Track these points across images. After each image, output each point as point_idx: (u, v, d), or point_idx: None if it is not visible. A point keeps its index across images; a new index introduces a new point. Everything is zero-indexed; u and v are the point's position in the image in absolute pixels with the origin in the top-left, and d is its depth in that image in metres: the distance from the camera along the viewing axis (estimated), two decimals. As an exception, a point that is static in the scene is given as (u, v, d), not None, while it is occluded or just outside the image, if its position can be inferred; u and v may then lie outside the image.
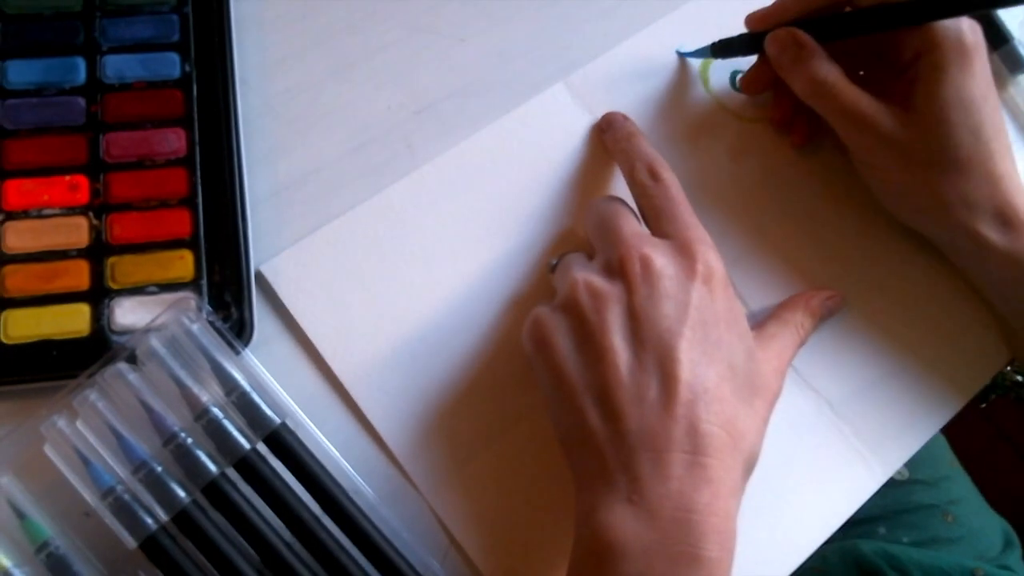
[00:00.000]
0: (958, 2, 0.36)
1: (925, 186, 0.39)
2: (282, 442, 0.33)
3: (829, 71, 0.39)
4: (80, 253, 0.36)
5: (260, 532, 0.32)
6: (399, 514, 0.35)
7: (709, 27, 0.45)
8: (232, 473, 0.33)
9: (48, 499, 0.32)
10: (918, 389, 0.42)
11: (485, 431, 0.37)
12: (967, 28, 0.38)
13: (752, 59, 0.43)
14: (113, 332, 0.35)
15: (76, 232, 0.36)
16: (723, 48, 0.43)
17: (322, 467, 0.33)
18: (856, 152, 0.41)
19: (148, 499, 0.31)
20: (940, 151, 0.38)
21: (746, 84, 0.43)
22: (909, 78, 0.39)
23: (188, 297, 0.36)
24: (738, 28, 0.42)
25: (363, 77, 0.42)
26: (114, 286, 0.36)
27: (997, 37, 0.48)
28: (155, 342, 0.33)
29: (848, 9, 0.40)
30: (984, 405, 0.45)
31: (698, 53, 0.44)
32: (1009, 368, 0.44)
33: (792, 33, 0.39)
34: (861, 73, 0.40)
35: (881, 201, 0.42)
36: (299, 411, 0.36)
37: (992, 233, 0.39)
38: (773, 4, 0.41)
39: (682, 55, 0.45)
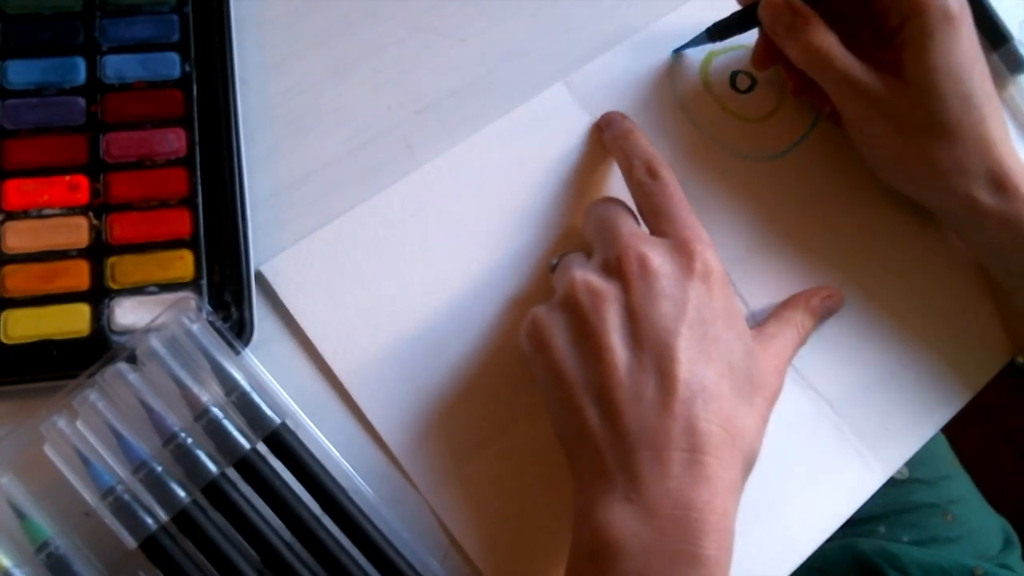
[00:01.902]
0: None
1: (918, 152, 0.39)
2: (282, 442, 0.33)
3: (824, 38, 0.39)
4: (80, 253, 0.36)
5: (260, 532, 0.32)
6: (399, 514, 0.35)
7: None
8: (232, 473, 0.33)
9: (48, 499, 0.32)
10: (918, 389, 0.42)
11: (485, 431, 0.37)
12: None
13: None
14: (113, 332, 0.35)
15: (76, 232, 0.36)
16: (719, 30, 0.43)
17: (322, 467, 0.34)
18: (850, 120, 0.41)
19: (148, 499, 0.31)
20: (931, 117, 0.38)
21: (755, 61, 0.43)
22: (897, 44, 0.39)
23: (188, 297, 0.36)
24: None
25: (363, 77, 0.42)
26: (114, 286, 0.36)
27: (997, 37, 0.48)
28: (155, 342, 0.33)
29: None
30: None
31: (694, 42, 0.44)
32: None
33: (785, 0, 0.39)
34: (852, 43, 0.40)
35: (875, 171, 0.43)
36: (299, 411, 0.36)
37: (986, 197, 0.39)
38: None
39: (678, 51, 0.45)
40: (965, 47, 0.38)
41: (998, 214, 0.39)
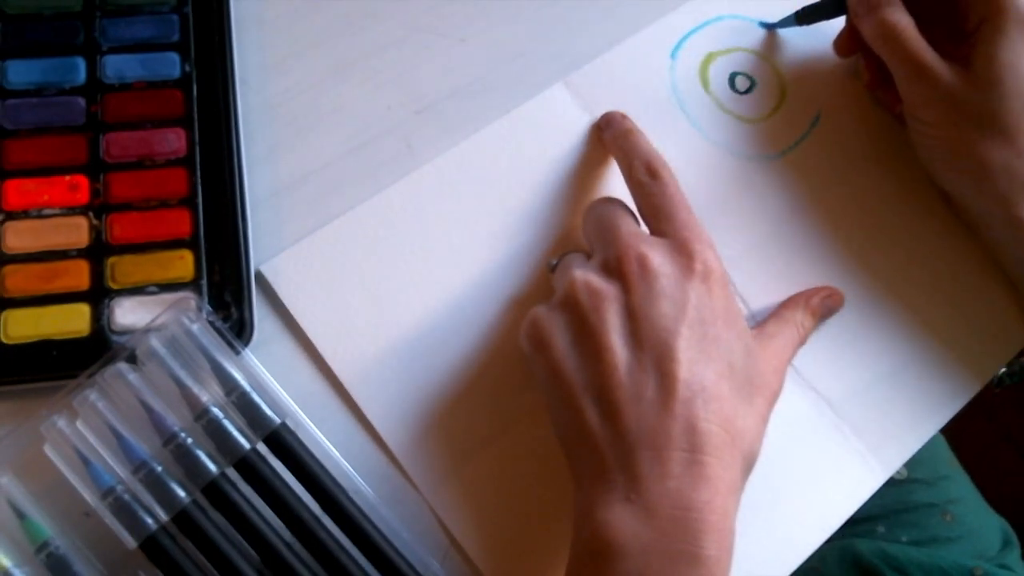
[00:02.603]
0: None
1: (971, 147, 0.40)
2: (282, 442, 0.33)
3: (900, 17, 0.40)
4: (80, 253, 0.36)
5: (260, 532, 0.32)
6: (399, 514, 0.35)
7: (709, 27, 0.45)
8: (232, 473, 0.33)
9: (48, 499, 0.32)
10: (918, 389, 0.42)
11: (485, 431, 0.37)
12: None
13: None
14: (113, 332, 0.35)
15: (76, 232, 0.36)
16: (808, 14, 0.44)
17: (322, 467, 0.34)
18: (910, 104, 0.41)
19: (148, 499, 0.31)
20: (989, 112, 0.39)
21: (838, 45, 0.44)
22: (971, 42, 0.39)
23: (188, 297, 0.36)
24: (735, 31, 0.42)
25: (363, 77, 0.42)
26: (114, 286, 0.36)
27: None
28: (155, 342, 0.33)
29: None
30: (998, 389, 0.45)
31: (783, 23, 0.45)
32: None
33: None
34: (929, 34, 0.41)
35: (924, 162, 0.43)
36: (299, 411, 0.36)
37: None
38: None
39: (767, 26, 0.46)
40: None
41: None
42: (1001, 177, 0.39)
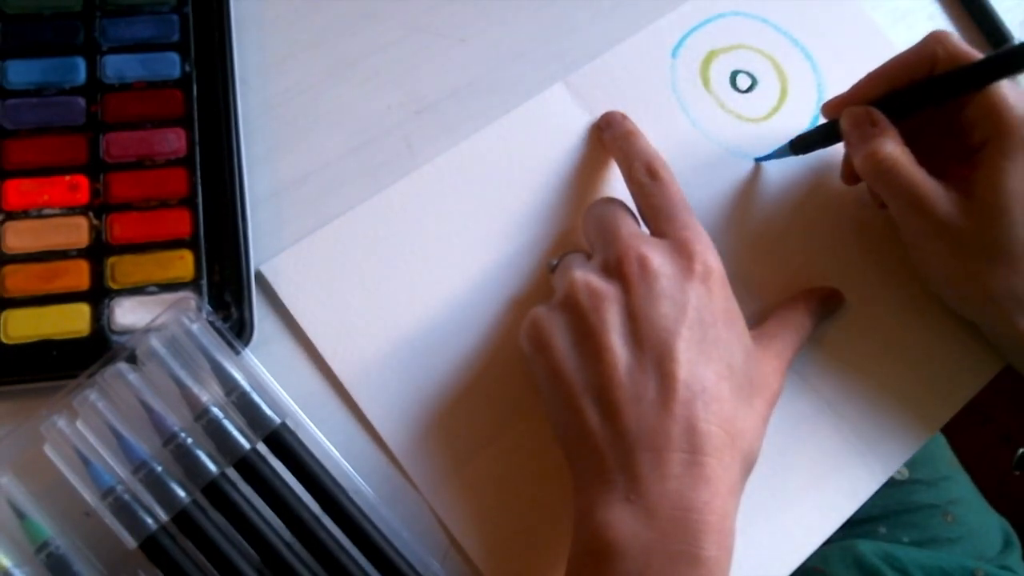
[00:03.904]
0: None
1: (973, 276, 0.38)
2: (282, 442, 0.33)
3: (894, 148, 0.38)
4: (80, 253, 0.36)
5: (260, 532, 0.32)
6: (399, 514, 0.35)
7: (710, 24, 0.45)
8: (232, 473, 0.33)
9: (48, 499, 0.32)
10: (918, 388, 0.41)
11: (485, 431, 0.37)
12: None
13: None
14: (113, 332, 0.35)
15: (76, 232, 0.36)
16: (802, 144, 0.42)
17: (322, 467, 0.34)
18: (908, 235, 0.40)
19: (148, 499, 0.31)
20: (993, 242, 0.37)
21: (845, 176, 0.42)
22: (974, 163, 0.38)
23: (188, 297, 0.36)
24: (737, 29, 0.42)
25: (363, 77, 0.42)
26: (114, 286, 0.36)
27: (997, 37, 0.48)
28: (155, 342, 0.33)
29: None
30: (1018, 473, 0.44)
31: (777, 154, 0.43)
32: None
33: (868, 111, 0.38)
34: (928, 153, 0.39)
35: (927, 284, 0.42)
36: (299, 411, 0.36)
37: None
38: (849, 90, 0.40)
39: (760, 160, 0.44)
40: None
41: None
42: (1006, 302, 0.38)
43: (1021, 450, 0.43)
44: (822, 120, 0.42)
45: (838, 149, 0.41)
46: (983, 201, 0.37)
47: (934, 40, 0.38)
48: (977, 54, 0.37)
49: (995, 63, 0.36)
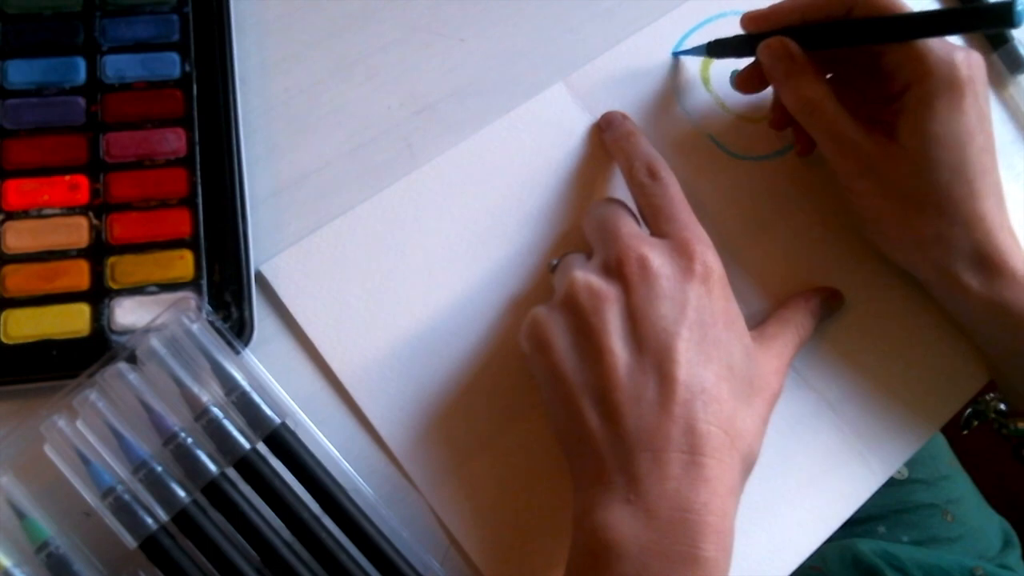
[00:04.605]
0: (943, 22, 0.35)
1: (902, 220, 0.38)
2: (282, 442, 0.33)
3: (817, 89, 0.38)
4: (80, 253, 0.36)
5: (260, 532, 0.32)
6: (399, 514, 0.35)
7: (710, 24, 0.45)
8: (232, 473, 0.33)
9: (48, 499, 0.32)
10: (918, 388, 0.42)
11: (484, 431, 0.37)
12: (961, 60, 0.37)
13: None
14: (113, 332, 0.35)
15: (76, 232, 0.36)
16: (718, 48, 0.43)
17: (322, 467, 0.34)
18: (839, 175, 0.40)
19: (148, 499, 0.31)
20: (918, 186, 0.37)
21: (740, 82, 0.43)
22: (897, 108, 0.38)
23: (188, 297, 0.36)
24: (737, 29, 0.42)
25: (363, 77, 0.42)
26: (114, 286, 0.36)
27: (997, 37, 0.48)
28: (155, 342, 0.33)
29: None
30: (966, 432, 0.45)
31: (693, 51, 0.44)
32: (990, 397, 0.44)
33: (784, 44, 0.39)
34: (854, 97, 0.39)
35: (862, 231, 0.42)
36: (299, 411, 0.36)
37: (969, 276, 0.38)
38: (770, 7, 0.40)
39: (677, 54, 0.45)
40: (967, 116, 0.37)
41: (980, 295, 0.38)
42: (935, 248, 0.38)
43: (969, 410, 0.43)
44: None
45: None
46: (906, 145, 0.37)
47: None
48: (901, 5, 0.37)
49: (920, 22, 0.36)
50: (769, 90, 0.43)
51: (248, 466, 0.33)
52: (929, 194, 0.37)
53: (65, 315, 0.35)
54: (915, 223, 0.38)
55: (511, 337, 0.39)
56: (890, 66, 0.38)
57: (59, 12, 0.39)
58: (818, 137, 0.39)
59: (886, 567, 0.55)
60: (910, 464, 0.62)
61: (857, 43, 0.38)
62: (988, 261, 0.38)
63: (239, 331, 0.36)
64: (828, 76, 0.39)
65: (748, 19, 0.41)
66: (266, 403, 0.33)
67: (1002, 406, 0.44)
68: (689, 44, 0.45)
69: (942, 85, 0.36)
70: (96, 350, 0.34)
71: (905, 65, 0.37)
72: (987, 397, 0.43)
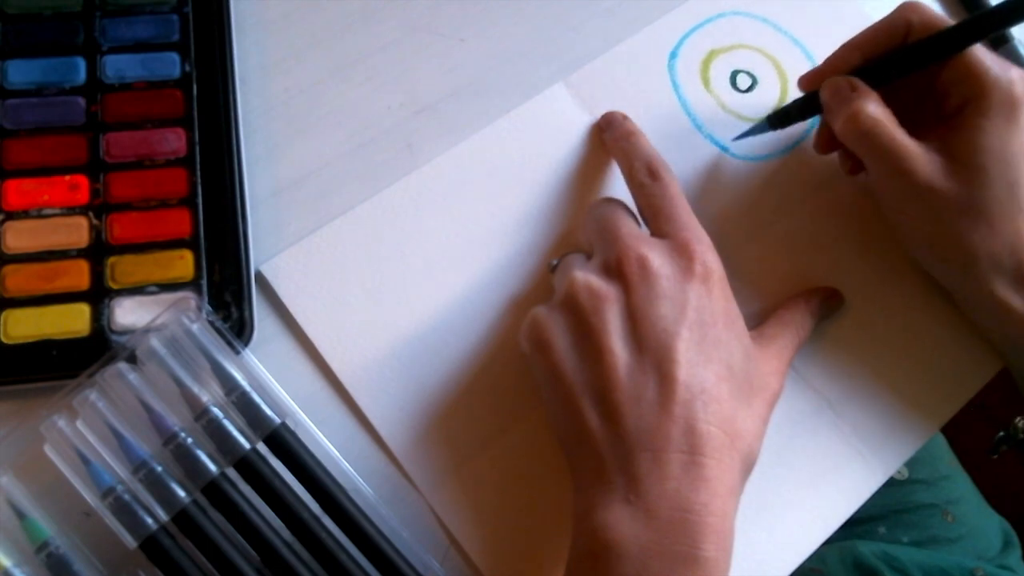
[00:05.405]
0: (996, 18, 0.35)
1: (955, 237, 0.38)
2: (282, 442, 0.33)
3: (876, 109, 0.37)
4: (80, 253, 0.36)
5: (260, 532, 0.32)
6: (399, 514, 0.35)
7: (710, 24, 0.45)
8: (232, 473, 0.33)
9: (48, 499, 0.32)
10: (918, 388, 0.41)
11: (484, 431, 0.37)
12: (1018, 78, 0.37)
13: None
14: (113, 332, 0.35)
15: (76, 232, 0.36)
16: (780, 119, 0.42)
17: (322, 467, 0.34)
18: (889, 198, 0.40)
19: (148, 499, 0.31)
20: (974, 202, 0.37)
21: (820, 144, 0.42)
22: (952, 125, 0.38)
23: (188, 297, 0.36)
24: (737, 29, 0.42)
25: (363, 77, 0.42)
26: (114, 286, 0.36)
27: (997, 37, 0.48)
28: (155, 342, 0.33)
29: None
30: (995, 456, 0.44)
31: (755, 131, 0.43)
32: (1020, 421, 0.44)
33: (849, 80, 0.38)
34: (906, 118, 0.39)
35: (907, 249, 0.42)
36: (299, 411, 0.36)
37: (1012, 294, 0.38)
38: (824, 61, 0.40)
39: (739, 138, 0.44)
40: (1022, 134, 0.37)
41: (1021, 313, 0.38)
42: (983, 264, 0.38)
43: (1000, 434, 0.42)
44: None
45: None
46: (963, 161, 0.37)
47: (907, 9, 0.38)
48: (950, 21, 0.37)
49: (970, 27, 0.36)
50: (770, 92, 0.43)
51: (248, 466, 0.32)
52: (983, 211, 0.37)
53: (65, 315, 0.35)
54: (967, 241, 0.38)
55: (511, 337, 0.39)
56: (945, 85, 0.38)
57: (59, 12, 0.39)
58: (872, 159, 0.38)
59: (886, 568, 0.55)
60: (910, 464, 0.62)
61: (923, 66, 0.38)
62: None
63: (239, 331, 0.36)
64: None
65: (805, 80, 0.41)
66: (266, 403, 0.33)
67: None
68: (690, 44, 0.45)
69: (1001, 101, 0.37)
70: (96, 350, 0.34)
71: (962, 83, 0.37)
72: (1018, 422, 0.43)
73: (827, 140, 0.41)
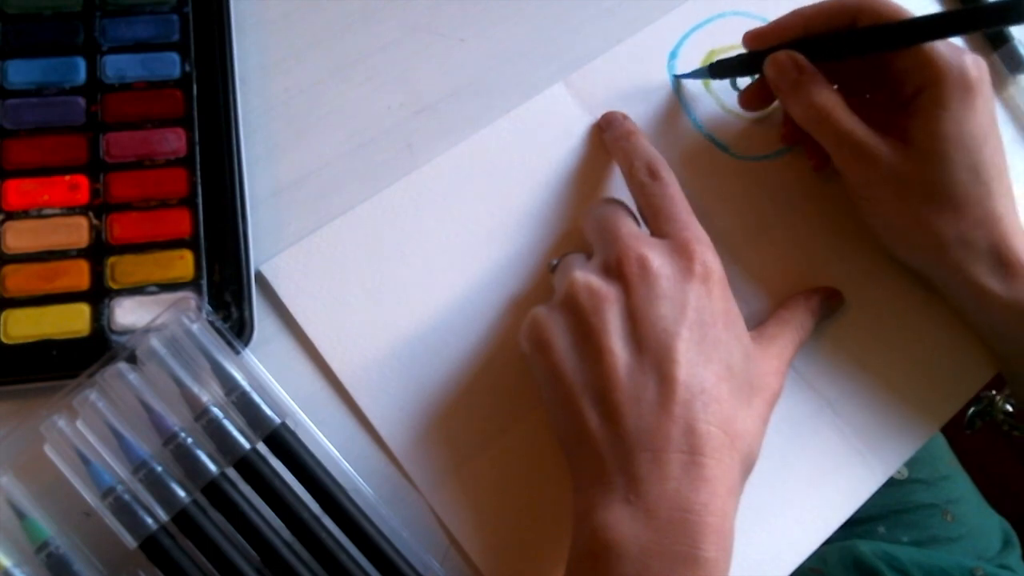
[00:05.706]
0: (954, 22, 0.35)
1: (921, 223, 0.38)
2: (282, 442, 0.33)
3: (828, 97, 0.38)
4: (80, 253, 0.36)
5: (260, 532, 0.32)
6: (399, 514, 0.35)
7: (710, 24, 0.45)
8: (232, 473, 0.33)
9: (48, 499, 0.32)
10: (918, 388, 0.42)
11: (484, 431, 0.37)
12: (970, 63, 0.37)
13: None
14: (113, 332, 0.35)
15: (76, 232, 0.36)
16: (721, 69, 0.42)
17: (322, 467, 0.34)
18: (853, 184, 0.40)
19: (148, 499, 0.31)
20: (936, 187, 0.37)
21: (745, 100, 0.43)
22: (910, 112, 0.38)
23: (188, 297, 0.36)
24: (737, 30, 0.42)
25: (363, 77, 0.42)
26: (114, 286, 0.36)
27: (997, 37, 0.48)
28: (155, 342, 0.33)
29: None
30: (970, 432, 0.45)
31: (695, 74, 0.44)
32: (998, 397, 0.44)
33: (791, 57, 0.39)
34: (863, 106, 0.39)
35: (878, 238, 0.42)
36: (299, 411, 0.36)
37: (989, 277, 0.38)
38: (772, 23, 0.40)
39: (678, 78, 0.44)
40: (980, 117, 0.37)
41: (1000, 296, 0.38)
42: (956, 248, 0.38)
43: (973, 409, 0.42)
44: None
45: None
46: (922, 148, 0.37)
47: None
48: (905, 12, 0.37)
49: (920, 27, 0.36)
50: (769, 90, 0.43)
51: (248, 466, 0.33)
52: (948, 196, 0.37)
53: (65, 315, 0.35)
54: (936, 226, 0.38)
55: (511, 337, 0.39)
56: (899, 72, 0.38)
57: (59, 12, 0.39)
58: (831, 147, 0.39)
59: (886, 568, 0.55)
60: (910, 464, 0.62)
61: (868, 52, 0.38)
62: (1008, 262, 0.38)
63: (239, 331, 0.36)
64: (834, 87, 0.39)
65: (750, 37, 0.41)
66: (266, 403, 0.33)
67: (1009, 407, 0.44)
68: (690, 44, 0.45)
69: (955, 87, 0.37)
70: (96, 350, 0.34)
71: (915, 70, 0.37)
72: (993, 396, 0.43)
73: (754, 98, 0.42)
